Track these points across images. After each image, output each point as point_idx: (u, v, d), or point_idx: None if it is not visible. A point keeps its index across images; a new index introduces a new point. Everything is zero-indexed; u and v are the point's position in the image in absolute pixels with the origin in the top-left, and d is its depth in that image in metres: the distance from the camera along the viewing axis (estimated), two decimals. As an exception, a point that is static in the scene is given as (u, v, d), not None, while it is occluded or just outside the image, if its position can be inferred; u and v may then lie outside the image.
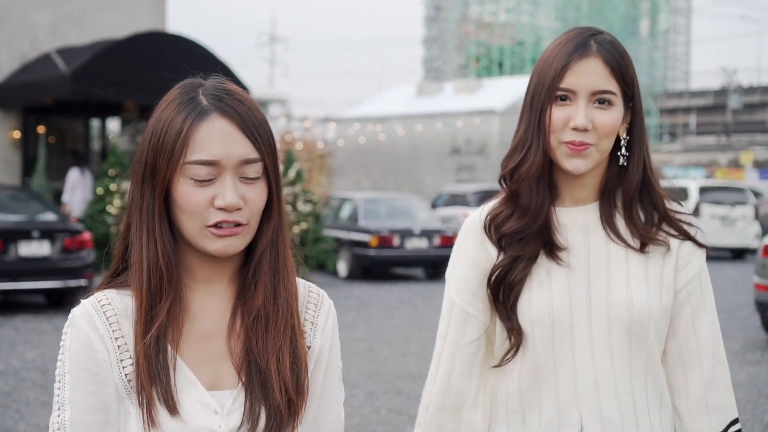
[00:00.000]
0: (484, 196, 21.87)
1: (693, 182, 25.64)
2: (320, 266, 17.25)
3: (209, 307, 1.80)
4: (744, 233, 24.00)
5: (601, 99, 2.11)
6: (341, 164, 35.91)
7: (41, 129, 19.35)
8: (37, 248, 12.89)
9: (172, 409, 1.70)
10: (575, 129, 2.10)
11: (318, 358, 1.86)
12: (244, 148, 1.71)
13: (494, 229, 2.21)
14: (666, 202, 2.20)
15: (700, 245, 2.20)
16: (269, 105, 59.92)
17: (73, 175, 17.36)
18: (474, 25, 75.95)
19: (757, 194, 30.04)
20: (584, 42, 2.13)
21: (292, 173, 16.68)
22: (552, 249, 2.16)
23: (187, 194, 1.70)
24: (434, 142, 34.09)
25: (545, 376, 2.15)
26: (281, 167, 12.85)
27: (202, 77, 1.80)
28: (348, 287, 16.59)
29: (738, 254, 24.74)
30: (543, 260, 2.17)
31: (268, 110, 55.70)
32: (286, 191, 16.59)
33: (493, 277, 2.19)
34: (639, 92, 2.18)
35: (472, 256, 2.25)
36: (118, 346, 1.73)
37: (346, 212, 19.02)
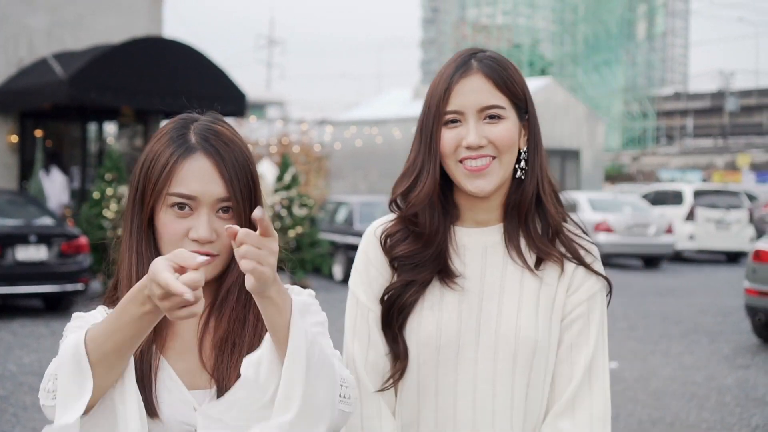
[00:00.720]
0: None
1: (688, 186, 25.74)
2: (316, 270, 17.32)
3: (182, 324, 1.95)
4: (739, 237, 24.09)
5: (490, 114, 2.08)
6: (338, 167, 35.98)
7: (38, 133, 19.42)
8: (34, 252, 12.97)
9: (153, 413, 1.85)
10: (468, 148, 2.07)
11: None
12: (220, 189, 1.88)
13: (389, 248, 2.18)
14: (563, 220, 2.17)
15: (595, 272, 2.15)
16: (266, 107, 59.93)
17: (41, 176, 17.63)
18: (471, 28, 76.01)
19: (751, 198, 30.15)
20: (464, 62, 2.11)
21: (287, 177, 16.74)
22: (446, 275, 2.13)
23: (166, 223, 1.88)
24: (431, 145, 34.19)
25: (426, 399, 2.12)
26: (273, 177, 12.83)
27: (199, 112, 1.96)
28: (343, 290, 16.54)
29: (733, 258, 24.83)
30: (436, 284, 2.14)
31: (266, 113, 55.71)
32: (282, 195, 16.66)
33: (385, 298, 2.16)
34: (532, 104, 2.16)
35: (377, 265, 2.21)
36: None
37: (341, 216, 19.10)
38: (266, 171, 18.31)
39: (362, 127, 34.92)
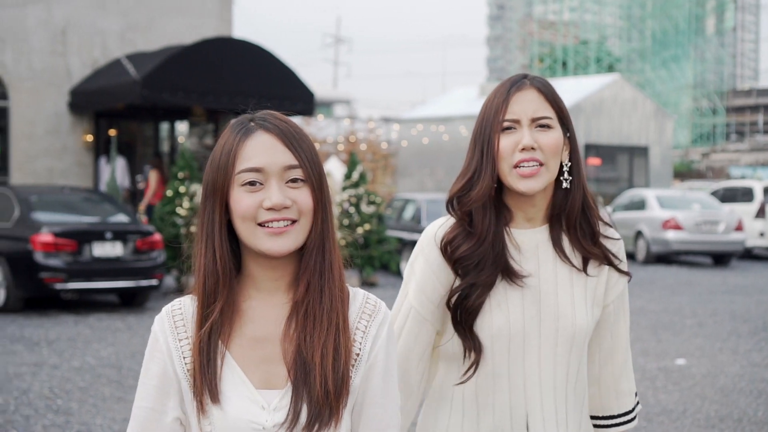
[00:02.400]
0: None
1: (758, 183, 25.37)
2: (384, 266, 17.48)
3: (267, 314, 1.99)
4: (809, 233, 23.72)
5: (541, 123, 2.39)
6: (405, 165, 36.12)
7: (112, 132, 19.85)
8: (110, 249, 13.30)
9: (214, 397, 1.91)
10: (523, 149, 2.36)
11: (372, 365, 2.01)
12: (285, 156, 1.94)
13: (450, 255, 2.42)
14: (600, 226, 2.50)
15: (624, 273, 2.52)
16: (333, 106, 60.26)
17: (101, 163, 18.10)
18: (537, 25, 75.60)
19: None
20: (519, 80, 2.44)
21: (355, 175, 16.91)
22: (510, 274, 2.41)
23: (239, 199, 1.93)
24: (498, 142, 34.12)
25: (501, 381, 2.43)
26: (343, 170, 13.07)
27: (252, 112, 2.05)
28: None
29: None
30: (500, 283, 2.41)
31: (333, 111, 56.02)
32: (350, 193, 16.85)
33: (452, 301, 2.42)
34: (572, 126, 2.46)
35: (435, 269, 2.45)
36: (181, 345, 1.98)
37: (408, 213, 19.22)
38: (334, 169, 18.50)
39: (429, 125, 34.99)
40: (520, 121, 2.38)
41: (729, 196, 25.26)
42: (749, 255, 24.36)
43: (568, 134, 2.44)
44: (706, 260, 23.37)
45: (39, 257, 12.84)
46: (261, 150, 1.93)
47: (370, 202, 16.92)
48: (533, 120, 2.38)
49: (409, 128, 36.27)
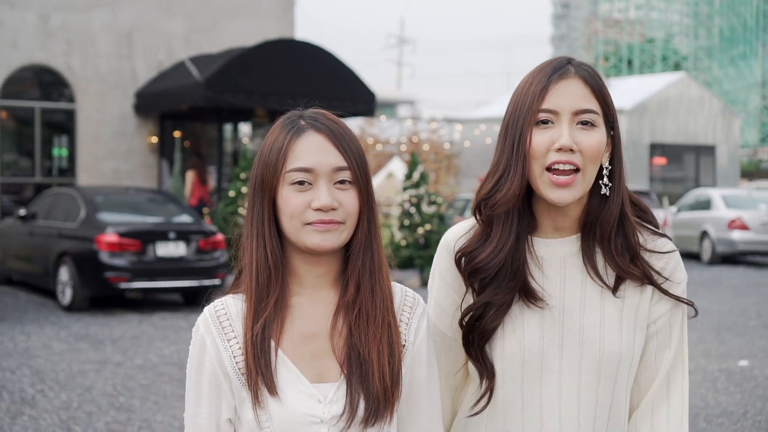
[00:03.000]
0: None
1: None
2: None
3: (312, 310, 2.01)
4: None
5: (584, 120, 2.02)
6: (468, 165, 36.02)
7: (177, 134, 20.10)
8: (173, 249, 13.48)
9: (272, 389, 1.93)
10: (560, 150, 2.00)
11: (415, 356, 2.05)
12: (335, 158, 1.96)
13: (463, 266, 2.14)
14: (647, 237, 2.14)
15: (669, 295, 2.12)
16: (397, 106, 60.31)
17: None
18: (602, 23, 74.96)
19: None
20: (562, 65, 2.06)
21: (416, 175, 16.92)
22: (528, 295, 2.09)
23: (288, 198, 1.95)
24: (560, 141, 33.93)
25: (512, 413, 2.11)
26: (404, 170, 13.09)
27: (302, 109, 2.07)
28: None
29: None
30: (517, 304, 2.10)
31: (396, 112, 56.06)
32: (411, 193, 16.86)
33: (465, 321, 2.14)
34: (618, 124, 2.11)
35: (450, 280, 2.19)
36: (230, 345, 1.98)
37: (470, 213, 19.18)
38: (396, 169, 18.55)
39: (491, 125, 34.85)
40: (560, 114, 2.01)
41: (797, 195, 24.81)
42: (818, 255, 23.88)
43: (612, 133, 2.08)
44: (773, 261, 22.98)
45: (104, 257, 13.07)
46: (311, 150, 1.96)
47: (431, 202, 16.92)
48: (575, 114, 2.01)
49: (471, 128, 36.19)
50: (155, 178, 20.15)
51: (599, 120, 2.04)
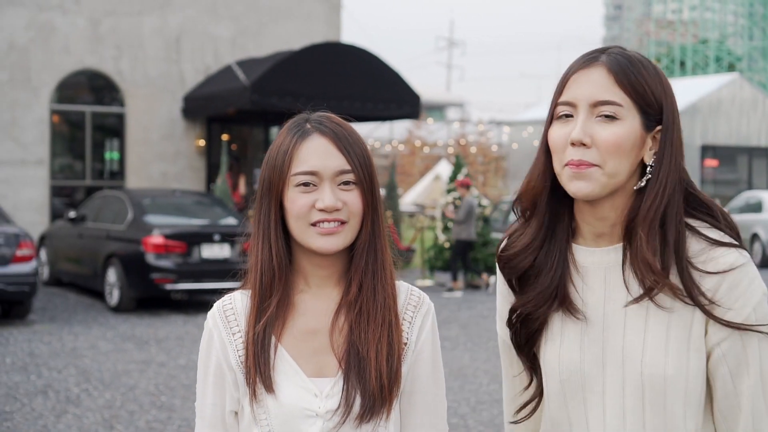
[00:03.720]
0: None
1: None
2: (489, 269, 17.45)
3: (316, 306, 2.07)
4: None
5: (604, 112, 1.85)
6: (516, 167, 35.92)
7: (225, 137, 20.29)
8: (218, 251, 13.63)
9: (268, 386, 2.00)
10: (573, 144, 1.86)
11: (418, 355, 2.09)
12: (339, 161, 2.01)
13: (501, 264, 2.06)
14: (701, 248, 1.87)
15: (722, 322, 1.84)
16: (446, 109, 60.25)
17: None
18: (654, 24, 74.32)
19: None
20: (592, 54, 1.91)
21: (460, 177, 16.92)
22: (566, 304, 1.95)
23: (294, 199, 2.01)
24: (611, 144, 33.73)
25: (561, 430, 1.99)
26: (450, 171, 13.08)
27: (309, 113, 2.12)
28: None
29: None
30: (558, 311, 1.97)
31: (445, 114, 56.00)
32: (455, 195, 16.86)
33: (513, 322, 2.05)
34: (673, 115, 1.89)
35: (502, 288, 2.12)
36: (235, 339, 2.06)
37: (515, 216, 19.13)
38: (443, 172, 18.55)
39: (539, 127, 34.73)
40: (578, 106, 1.87)
41: None
42: None
43: (657, 127, 1.88)
44: (826, 264, 22.64)
45: (150, 258, 13.26)
46: (316, 153, 2.01)
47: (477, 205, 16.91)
48: (593, 106, 1.85)
49: (519, 131, 36.09)
50: (202, 180, 20.35)
51: (623, 112, 1.85)
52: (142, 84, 20.07)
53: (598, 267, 1.94)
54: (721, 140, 32.33)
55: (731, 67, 62.46)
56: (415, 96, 19.44)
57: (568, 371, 1.93)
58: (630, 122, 1.85)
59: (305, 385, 2.01)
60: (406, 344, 2.07)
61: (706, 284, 1.83)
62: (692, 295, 1.83)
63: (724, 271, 1.82)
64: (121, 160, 20.25)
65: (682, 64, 66.93)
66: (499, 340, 2.15)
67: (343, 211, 2.00)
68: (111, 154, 20.60)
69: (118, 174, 20.27)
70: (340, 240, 2.01)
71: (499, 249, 2.07)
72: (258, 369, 2.00)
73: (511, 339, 2.06)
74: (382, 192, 20.99)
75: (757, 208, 22.53)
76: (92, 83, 20.13)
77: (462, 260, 16.45)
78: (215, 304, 2.13)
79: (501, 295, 2.12)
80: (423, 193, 29.99)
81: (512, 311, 2.03)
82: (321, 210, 1.99)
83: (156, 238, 13.29)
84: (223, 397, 2.07)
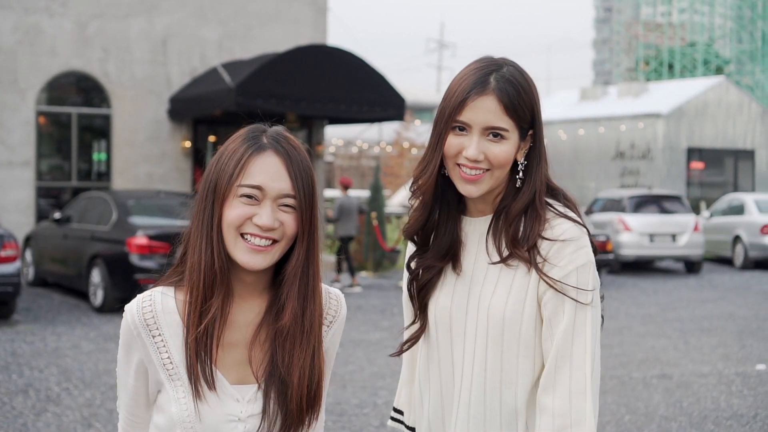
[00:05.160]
0: (641, 201, 21.61)
1: None
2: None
3: (238, 318, 2.11)
4: None
5: (494, 133, 2.26)
6: (504, 169, 35.99)
7: (212, 139, 20.37)
8: (204, 252, 13.67)
9: (210, 384, 2.05)
10: (467, 158, 2.26)
11: (328, 355, 2.22)
12: (285, 184, 2.05)
13: (405, 232, 2.47)
14: (549, 221, 2.29)
15: (547, 279, 2.25)
16: (436, 111, 60.23)
17: None
18: (643, 27, 74.49)
19: None
20: (483, 79, 2.27)
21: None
22: (454, 261, 2.38)
23: (234, 207, 2.05)
24: (597, 146, 33.84)
25: (433, 366, 2.40)
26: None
27: (268, 125, 2.18)
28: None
29: None
30: (447, 268, 2.40)
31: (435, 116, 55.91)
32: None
33: (411, 270, 2.46)
34: (540, 120, 2.33)
35: (410, 247, 2.50)
36: (154, 339, 2.09)
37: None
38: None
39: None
40: (473, 127, 2.26)
41: (834, 200, 24.56)
42: None
43: (530, 132, 2.33)
44: (807, 266, 22.79)
45: (134, 259, 13.32)
46: (266, 171, 2.05)
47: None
48: (485, 129, 2.26)
49: (506, 133, 36.13)
50: (188, 182, 20.43)
51: (509, 134, 2.27)
52: (128, 86, 20.16)
53: (474, 233, 2.38)
54: (707, 143, 32.47)
55: (719, 70, 62.67)
56: (399, 98, 19.55)
57: (441, 314, 2.37)
58: (513, 139, 2.28)
59: (228, 391, 2.07)
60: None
61: (545, 251, 2.26)
62: (536, 264, 2.26)
63: (561, 241, 2.25)
64: (108, 162, 20.32)
65: (671, 66, 67.12)
66: (403, 295, 2.52)
67: (277, 231, 2.04)
68: (97, 156, 20.67)
69: (105, 175, 20.34)
70: (267, 259, 2.05)
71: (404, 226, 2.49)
72: (202, 367, 2.04)
73: (408, 288, 2.45)
74: (368, 193, 20.97)
75: (739, 210, 22.67)
76: (79, 85, 20.20)
77: (345, 255, 17.22)
78: (134, 302, 2.13)
79: (409, 253, 2.49)
80: (405, 197, 29.96)
81: (415, 262, 2.44)
82: (257, 225, 2.03)
83: (140, 239, 13.37)
84: (145, 385, 2.13)
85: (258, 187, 2.03)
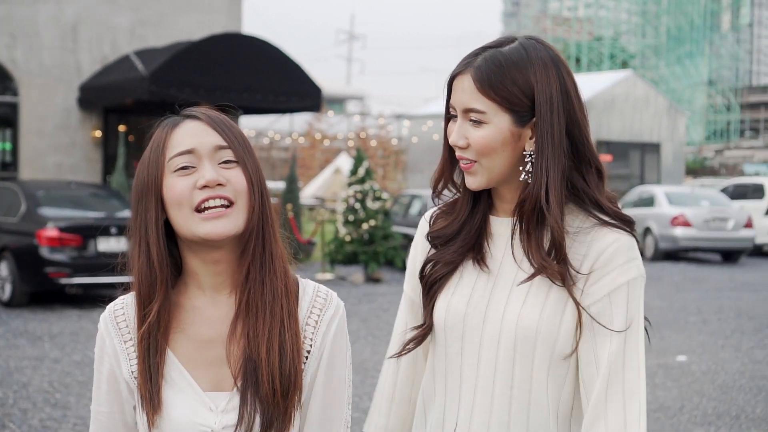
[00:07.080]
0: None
1: (767, 180, 25.31)
2: (389, 262, 17.48)
3: (213, 314, 1.94)
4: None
5: (471, 117, 2.02)
6: (416, 161, 36.12)
7: (122, 128, 19.95)
8: (115, 244, 13.37)
9: (156, 407, 1.89)
10: (454, 145, 2.07)
11: (320, 358, 1.95)
12: (215, 137, 1.90)
13: (429, 229, 2.21)
14: (574, 221, 2.05)
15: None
16: (346, 102, 60.24)
17: None
18: (551, 21, 75.48)
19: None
20: (471, 59, 2.06)
21: (361, 171, 16.94)
22: (479, 257, 2.11)
23: (173, 185, 1.88)
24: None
25: (438, 380, 2.13)
26: (350, 164, 13.15)
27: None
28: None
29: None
30: (464, 265, 2.13)
31: (345, 107, 55.99)
32: (356, 188, 16.88)
33: (420, 274, 2.19)
34: (547, 105, 2.01)
35: (420, 247, 2.24)
36: (127, 348, 1.95)
37: (415, 209, 19.26)
38: (343, 165, 18.59)
39: (439, 121, 34.96)
40: (458, 110, 2.06)
41: (739, 193, 25.19)
42: (759, 252, 24.26)
43: (533, 119, 2.01)
44: (715, 257, 23.31)
45: (44, 252, 12.94)
46: (190, 134, 1.91)
47: (376, 198, 16.95)
48: (464, 111, 2.03)
49: (419, 124, 36.30)
50: (99, 172, 19.98)
51: (488, 117, 2.00)
52: (36, 73, 19.59)
53: (500, 236, 2.11)
54: (615, 136, 33.04)
55: (625, 65, 63.91)
56: (316, 89, 19.39)
57: (453, 320, 2.08)
58: (497, 124, 2.01)
59: (200, 398, 1.90)
60: (309, 351, 1.94)
61: (580, 251, 2.00)
62: (566, 282, 1.99)
63: (607, 249, 1.99)
64: (14, 151, 19.73)
65: (578, 60, 68.17)
66: (404, 297, 2.27)
67: (228, 188, 1.87)
68: (3, 145, 20.06)
69: (11, 165, 19.75)
70: (230, 223, 1.87)
71: (430, 218, 2.23)
72: (146, 386, 1.90)
73: (419, 277, 2.17)
74: (282, 185, 20.79)
75: (649, 202, 23.06)
76: (-16, 71, 19.58)
77: None
78: (107, 308, 2.01)
79: (418, 250, 2.25)
80: (323, 186, 29.94)
81: (429, 261, 2.17)
82: (204, 187, 1.86)
83: (50, 231, 12.98)
84: (120, 405, 1.97)
85: (189, 151, 1.89)
